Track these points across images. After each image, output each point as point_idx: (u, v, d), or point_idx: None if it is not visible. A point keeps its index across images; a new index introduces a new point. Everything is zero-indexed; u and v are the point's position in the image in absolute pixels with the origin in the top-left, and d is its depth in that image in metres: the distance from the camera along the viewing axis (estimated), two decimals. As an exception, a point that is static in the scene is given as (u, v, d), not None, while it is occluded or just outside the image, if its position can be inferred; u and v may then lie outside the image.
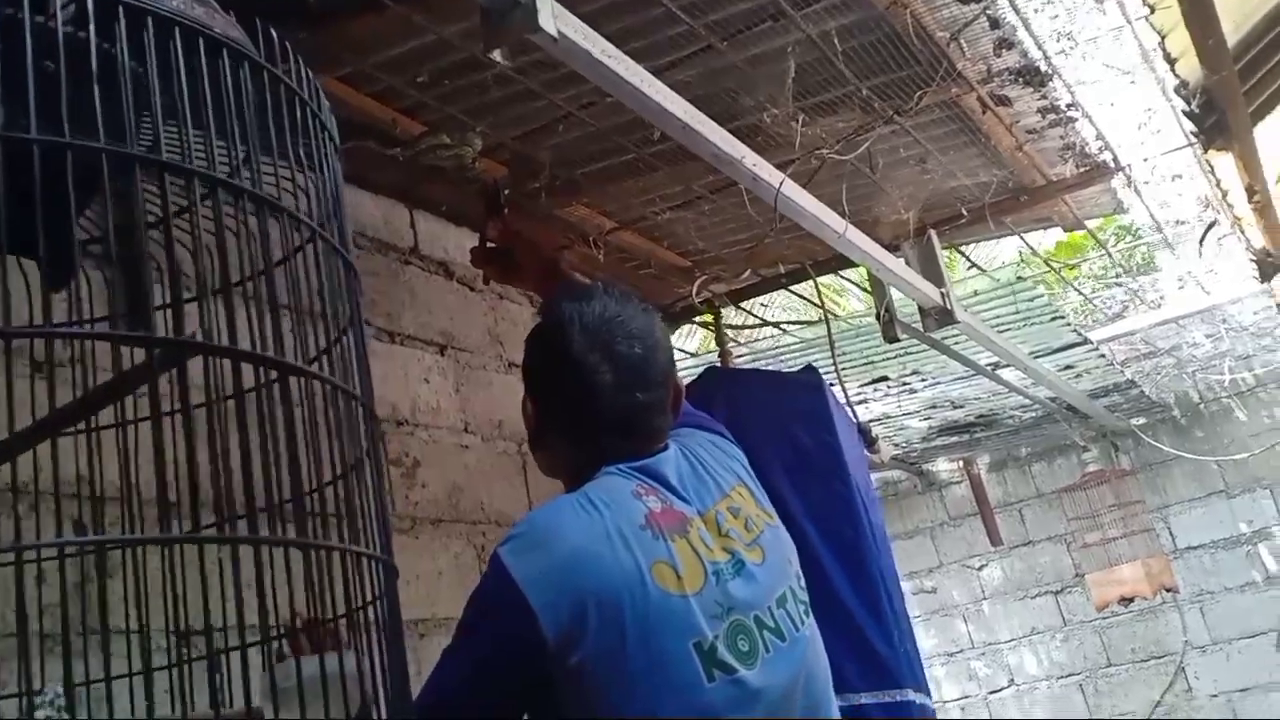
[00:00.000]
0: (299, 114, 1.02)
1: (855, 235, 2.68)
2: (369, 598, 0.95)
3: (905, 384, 4.78)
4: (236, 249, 0.95)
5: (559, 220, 3.16)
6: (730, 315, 4.27)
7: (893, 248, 3.43)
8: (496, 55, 1.76)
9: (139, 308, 0.91)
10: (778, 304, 4.95)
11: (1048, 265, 3.86)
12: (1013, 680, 6.29)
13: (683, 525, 1.41)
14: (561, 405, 1.50)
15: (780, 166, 2.58)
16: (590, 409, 1.47)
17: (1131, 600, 5.43)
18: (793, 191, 2.47)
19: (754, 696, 1.34)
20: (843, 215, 2.59)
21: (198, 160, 0.89)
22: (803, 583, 1.55)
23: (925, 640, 6.41)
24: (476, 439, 2.91)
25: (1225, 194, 2.50)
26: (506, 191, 2.64)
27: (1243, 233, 2.74)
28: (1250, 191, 2.34)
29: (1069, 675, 6.15)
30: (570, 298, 1.53)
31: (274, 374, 0.91)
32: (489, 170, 2.86)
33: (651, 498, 1.42)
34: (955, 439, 5.98)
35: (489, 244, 2.32)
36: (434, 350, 2.88)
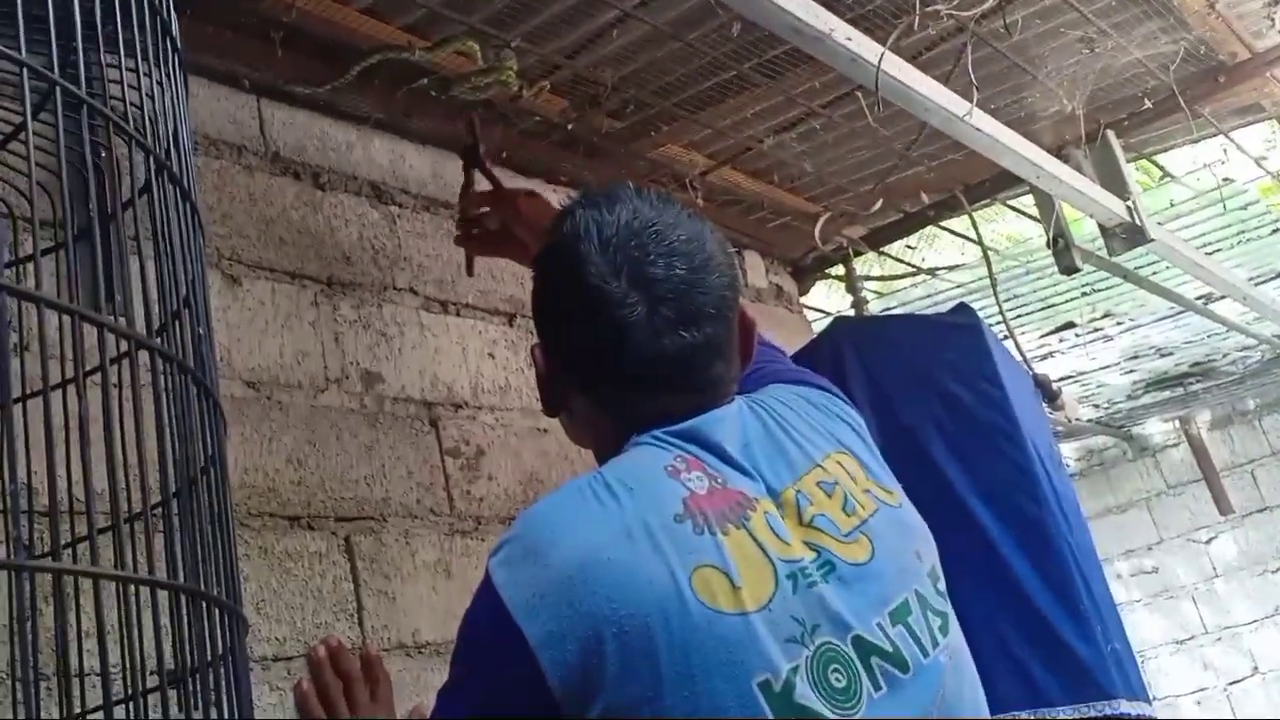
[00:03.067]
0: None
1: (987, 123, 2.10)
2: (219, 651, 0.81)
3: (1097, 330, 4.11)
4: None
5: (641, 161, 2.69)
6: (871, 265, 3.70)
7: (1059, 156, 2.82)
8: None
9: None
10: (933, 248, 4.38)
11: (1260, 166, 3.14)
12: (1256, 668, 5.49)
13: (740, 511, 0.99)
14: (578, 352, 1.10)
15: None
16: (616, 356, 1.05)
17: (1401, 569, 4.60)
18: (898, 70, 1.92)
19: None
20: (970, 99, 2.02)
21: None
22: (942, 585, 1.08)
23: (1150, 627, 5.69)
24: (557, 421, 2.47)
25: None
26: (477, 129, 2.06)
27: None
28: None
29: (1328, 660, 5.32)
30: (586, 204, 1.10)
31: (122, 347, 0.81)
32: (547, 103, 2.42)
33: (695, 474, 1.00)
34: (1167, 394, 5.25)
35: (479, 210, 1.89)
36: (501, 321, 2.47)
